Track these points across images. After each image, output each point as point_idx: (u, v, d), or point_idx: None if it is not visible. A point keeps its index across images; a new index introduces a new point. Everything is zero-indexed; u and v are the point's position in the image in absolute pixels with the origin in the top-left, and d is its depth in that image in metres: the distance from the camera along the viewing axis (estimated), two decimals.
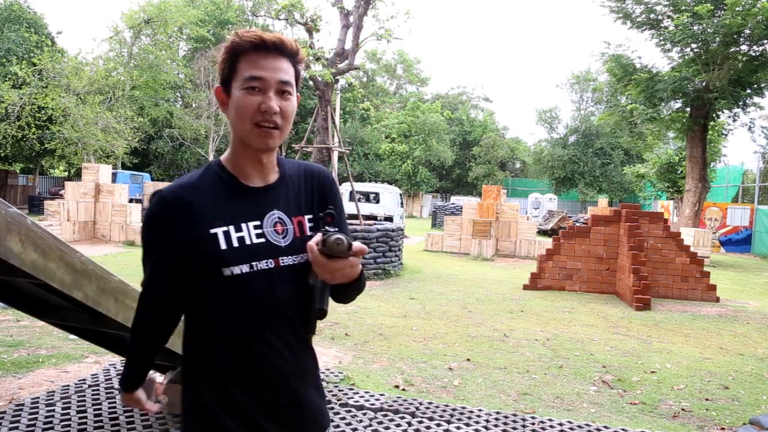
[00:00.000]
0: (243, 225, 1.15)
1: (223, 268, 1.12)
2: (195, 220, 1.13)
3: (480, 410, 3.70)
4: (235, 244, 1.13)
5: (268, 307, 1.15)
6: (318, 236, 1.09)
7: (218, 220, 1.14)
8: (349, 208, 12.73)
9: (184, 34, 31.99)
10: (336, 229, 1.10)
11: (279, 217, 1.19)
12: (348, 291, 1.19)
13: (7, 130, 20.55)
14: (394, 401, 3.78)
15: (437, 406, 3.72)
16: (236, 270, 1.13)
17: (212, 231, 1.13)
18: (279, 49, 1.15)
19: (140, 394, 1.31)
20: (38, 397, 3.53)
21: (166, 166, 31.30)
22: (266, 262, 1.15)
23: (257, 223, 1.16)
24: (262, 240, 1.16)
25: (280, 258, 1.17)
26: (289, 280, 1.17)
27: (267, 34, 1.14)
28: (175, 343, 2.62)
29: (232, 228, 1.14)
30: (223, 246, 1.12)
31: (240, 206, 1.17)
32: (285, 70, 1.16)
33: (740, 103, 15.46)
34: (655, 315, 7.81)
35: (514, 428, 3.46)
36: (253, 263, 1.14)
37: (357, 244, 1.08)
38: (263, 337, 1.15)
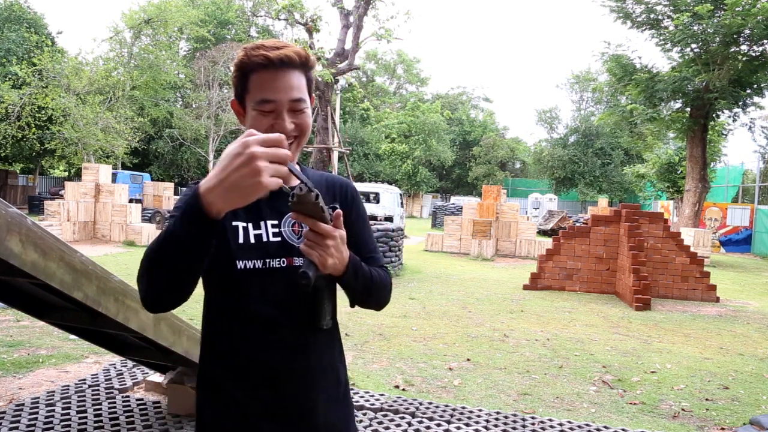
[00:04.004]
0: (261, 223, 1.20)
1: (237, 260, 1.15)
2: None
3: (480, 410, 3.70)
4: (252, 240, 1.18)
5: (277, 303, 1.17)
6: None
7: (239, 215, 1.18)
8: None
9: (184, 34, 31.98)
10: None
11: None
12: (351, 287, 1.16)
13: (7, 130, 20.54)
14: (394, 401, 3.78)
15: (437, 406, 3.72)
16: (249, 264, 1.16)
17: (234, 223, 1.18)
18: (286, 64, 1.14)
19: None
20: (38, 397, 3.53)
21: (166, 166, 31.28)
22: (280, 261, 1.18)
23: (275, 222, 1.20)
24: (278, 239, 1.19)
25: (294, 258, 1.19)
26: None
27: (273, 52, 1.13)
28: (175, 343, 2.63)
29: (250, 225, 1.19)
30: (240, 240, 1.17)
31: (261, 206, 1.19)
32: (296, 87, 1.15)
33: (740, 103, 15.46)
34: (655, 315, 7.81)
35: (514, 428, 3.46)
36: (267, 260, 1.17)
37: (340, 214, 1.06)
38: (272, 333, 1.16)
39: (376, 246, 1.34)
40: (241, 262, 1.15)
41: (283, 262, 1.18)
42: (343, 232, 1.07)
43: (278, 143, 0.91)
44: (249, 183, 0.88)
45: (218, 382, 1.19)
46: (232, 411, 1.17)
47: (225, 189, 0.90)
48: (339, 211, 1.07)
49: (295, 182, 1.21)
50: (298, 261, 1.18)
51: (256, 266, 1.16)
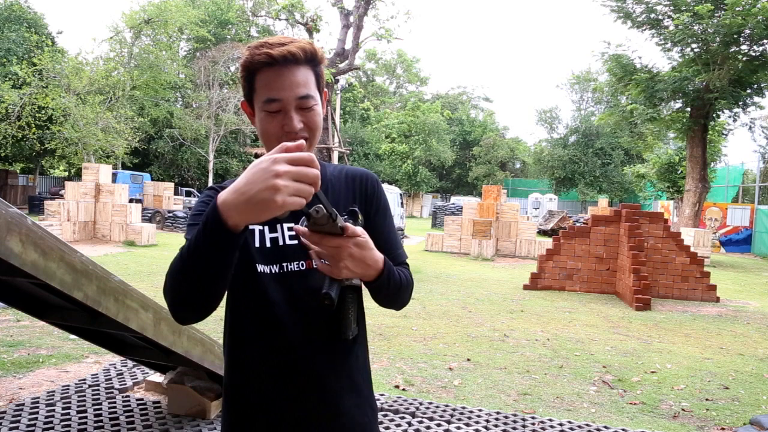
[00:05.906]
0: (278, 226, 1.16)
1: (256, 264, 1.13)
2: None
3: (480, 410, 3.70)
4: (268, 244, 1.15)
5: (298, 308, 1.13)
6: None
7: None
8: None
9: (185, 34, 32.00)
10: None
11: None
12: (381, 291, 1.12)
13: (7, 130, 20.56)
14: (394, 401, 3.78)
15: (437, 406, 3.72)
16: (266, 269, 1.13)
17: (250, 226, 1.13)
18: (291, 61, 1.09)
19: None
20: (38, 397, 3.53)
21: (167, 166, 31.28)
22: (298, 264, 1.15)
23: (292, 225, 1.15)
24: (295, 242, 1.15)
25: (313, 260, 1.12)
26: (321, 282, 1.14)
27: (276, 49, 1.08)
28: (175, 343, 2.63)
29: (266, 228, 1.15)
30: (257, 244, 1.14)
31: None
32: (303, 83, 1.10)
33: (740, 103, 15.47)
34: (655, 315, 7.81)
35: (514, 428, 3.46)
36: (284, 264, 1.14)
37: (350, 226, 1.00)
38: (293, 338, 1.14)
39: (398, 241, 1.28)
40: (259, 266, 1.12)
41: (302, 265, 1.15)
42: (360, 239, 1.02)
43: (308, 163, 0.87)
44: (264, 199, 0.84)
45: (231, 383, 1.19)
46: (241, 413, 1.16)
47: (241, 203, 0.86)
48: (346, 224, 1.01)
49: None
50: (317, 263, 1.13)
51: (273, 271, 1.13)
